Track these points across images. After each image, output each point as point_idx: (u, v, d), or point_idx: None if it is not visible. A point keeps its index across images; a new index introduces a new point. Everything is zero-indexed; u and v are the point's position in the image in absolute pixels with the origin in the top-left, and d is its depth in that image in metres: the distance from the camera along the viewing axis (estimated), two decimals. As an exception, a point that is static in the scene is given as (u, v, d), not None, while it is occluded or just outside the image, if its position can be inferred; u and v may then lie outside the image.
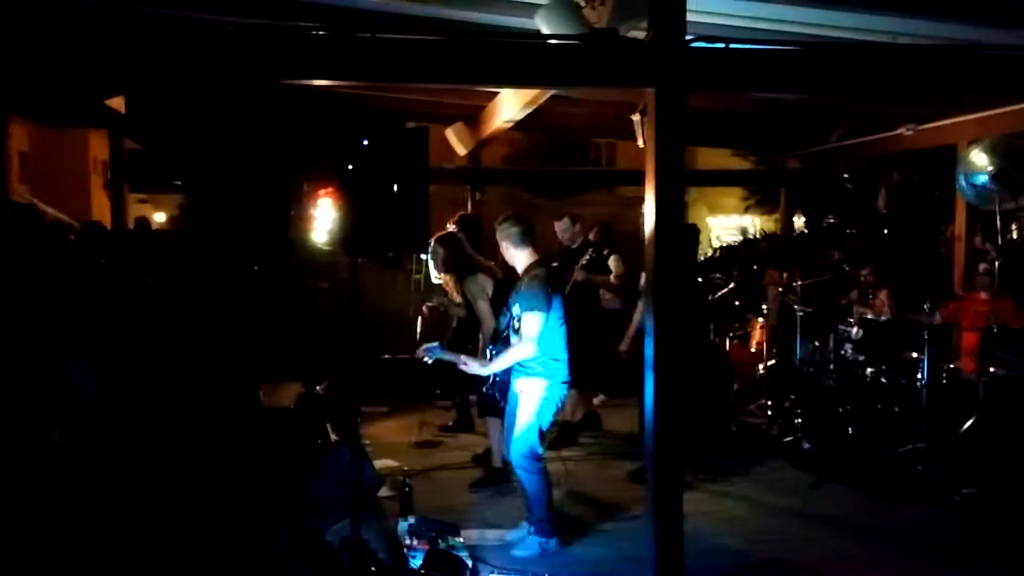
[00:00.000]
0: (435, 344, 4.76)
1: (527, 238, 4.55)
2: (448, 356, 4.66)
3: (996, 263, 5.66)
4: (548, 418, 4.50)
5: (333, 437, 5.17)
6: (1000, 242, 5.77)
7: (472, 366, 4.59)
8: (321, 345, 6.94)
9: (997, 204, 5.60)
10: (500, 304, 5.44)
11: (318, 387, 6.27)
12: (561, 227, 6.88)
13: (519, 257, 4.55)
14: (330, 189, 5.23)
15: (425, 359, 4.69)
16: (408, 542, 4.17)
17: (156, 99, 7.70)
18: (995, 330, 5.29)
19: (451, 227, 6.26)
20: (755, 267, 10.35)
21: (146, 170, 8.87)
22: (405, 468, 5.22)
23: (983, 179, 5.70)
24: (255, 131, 6.33)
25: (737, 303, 7.85)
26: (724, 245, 12.64)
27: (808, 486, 5.57)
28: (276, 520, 4.13)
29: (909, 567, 4.33)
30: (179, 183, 8.10)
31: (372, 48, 3.57)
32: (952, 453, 5.59)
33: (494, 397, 4.84)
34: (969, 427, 5.60)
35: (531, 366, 4.41)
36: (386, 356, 7.92)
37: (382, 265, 4.32)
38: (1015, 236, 7.84)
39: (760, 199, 12.82)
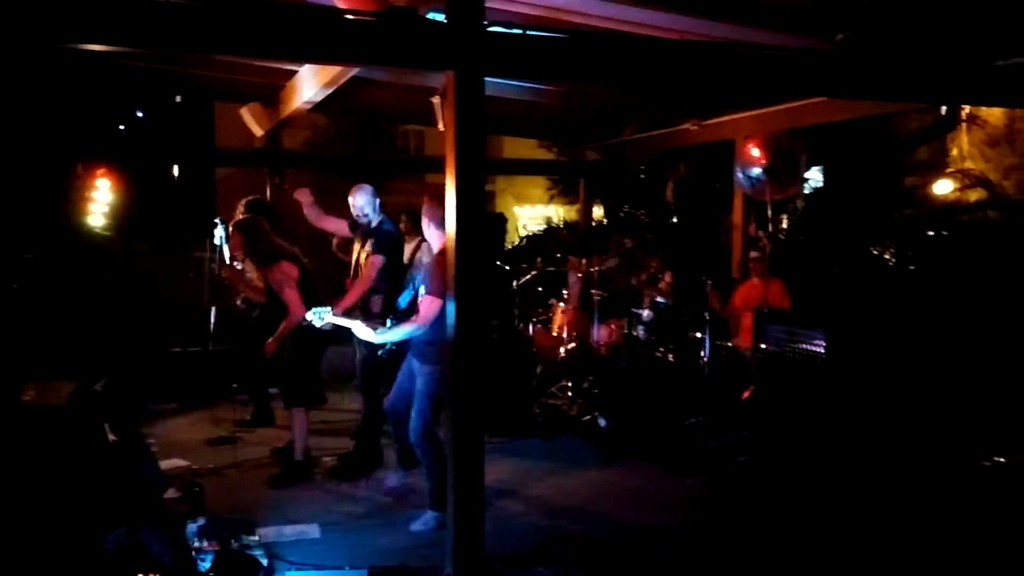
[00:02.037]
0: (326, 308, 4.90)
1: None
2: (340, 320, 4.84)
3: (767, 250, 6.16)
4: (436, 398, 4.65)
5: (112, 438, 4.75)
6: (771, 230, 6.28)
7: (365, 333, 4.73)
8: (100, 338, 6.38)
9: (769, 195, 6.09)
10: (308, 291, 5.28)
11: (96, 384, 5.75)
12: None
13: (438, 238, 4.56)
14: (106, 168, 4.80)
15: (314, 321, 4.84)
16: (197, 544, 3.92)
17: None
18: (766, 311, 5.77)
19: (239, 212, 5.96)
20: (557, 255, 10.70)
21: None
22: (195, 467, 4.90)
23: (757, 171, 6.18)
24: (17, 102, 5.66)
25: (540, 289, 8.06)
26: (530, 234, 12.96)
27: (604, 462, 5.85)
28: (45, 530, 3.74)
29: (690, 530, 4.63)
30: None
31: (154, 11, 3.28)
32: (729, 425, 6.07)
33: (380, 363, 5.13)
34: (744, 400, 6.12)
35: (427, 351, 4.57)
36: (176, 349, 7.43)
37: (164, 251, 4.00)
38: (785, 225, 8.58)
39: (562, 189, 13.24)
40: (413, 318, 4.61)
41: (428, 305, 4.50)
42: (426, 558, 4.08)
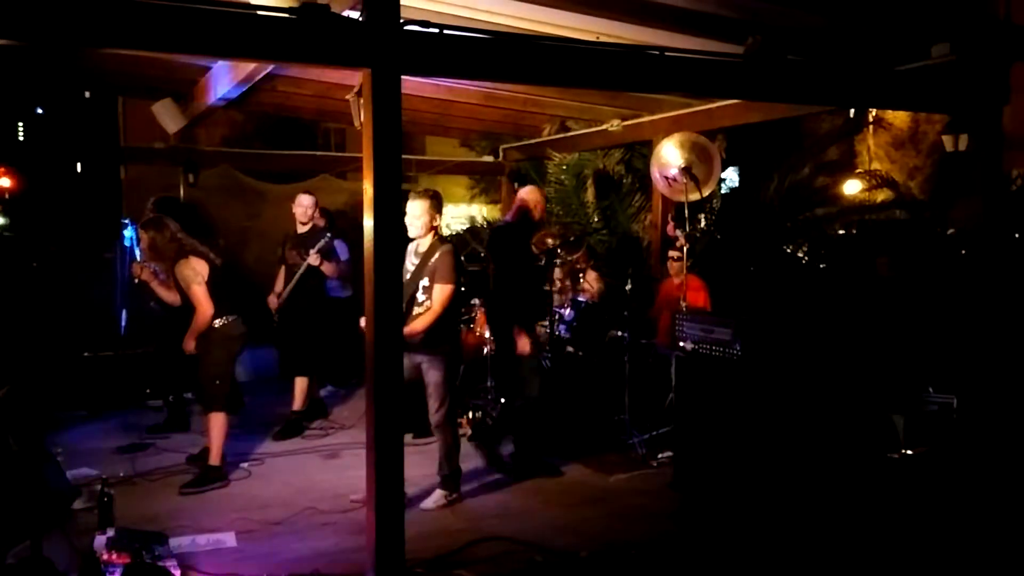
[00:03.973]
0: None
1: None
2: None
3: (685, 249, 6.27)
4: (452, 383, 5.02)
5: (14, 448, 4.53)
6: (689, 230, 6.38)
7: None
8: (2, 344, 6.10)
9: (686, 195, 6.20)
10: (219, 289, 5.16)
11: (-3, 392, 5.49)
12: (306, 202, 6.60)
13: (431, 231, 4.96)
14: (3, 168, 4.60)
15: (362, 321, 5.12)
16: (106, 557, 3.77)
17: None
18: (684, 309, 5.88)
19: (149, 211, 5.79)
20: (481, 254, 10.69)
21: None
22: (105, 476, 4.72)
23: (673, 172, 6.28)
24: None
25: (463, 288, 8.01)
26: (453, 233, 12.89)
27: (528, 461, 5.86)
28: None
29: (613, 528, 4.68)
30: None
31: (53, 4, 3.13)
32: (652, 422, 6.17)
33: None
34: (665, 397, 6.22)
35: (434, 338, 4.81)
36: (86, 353, 7.14)
37: (71, 252, 3.84)
38: (703, 224, 8.76)
39: (484, 188, 13.25)
40: (428, 307, 4.82)
41: (442, 293, 4.80)
42: (346, 563, 4.02)
